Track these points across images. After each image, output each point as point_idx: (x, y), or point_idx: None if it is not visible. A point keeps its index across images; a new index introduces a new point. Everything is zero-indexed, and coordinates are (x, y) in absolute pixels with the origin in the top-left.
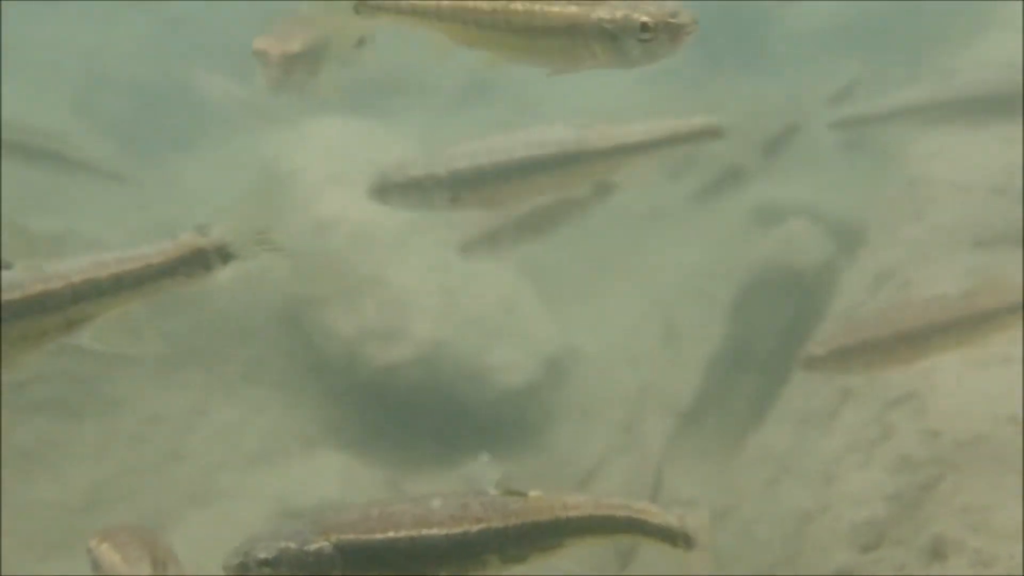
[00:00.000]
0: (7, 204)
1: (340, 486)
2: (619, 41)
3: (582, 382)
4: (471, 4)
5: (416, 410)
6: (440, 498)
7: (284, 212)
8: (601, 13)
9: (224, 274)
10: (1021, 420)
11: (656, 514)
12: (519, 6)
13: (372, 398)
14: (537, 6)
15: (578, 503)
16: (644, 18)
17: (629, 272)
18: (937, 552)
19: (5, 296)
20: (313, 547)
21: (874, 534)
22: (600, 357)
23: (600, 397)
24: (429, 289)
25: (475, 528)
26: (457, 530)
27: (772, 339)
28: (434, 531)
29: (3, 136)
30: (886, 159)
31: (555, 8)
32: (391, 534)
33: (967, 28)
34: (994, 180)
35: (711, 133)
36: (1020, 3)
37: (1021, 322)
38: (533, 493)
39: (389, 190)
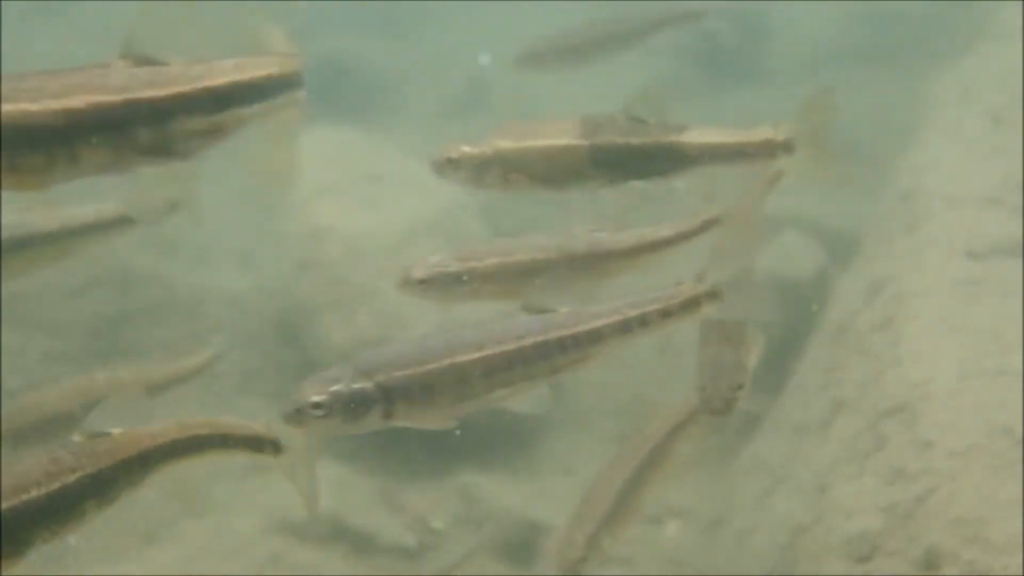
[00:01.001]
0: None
1: (334, 496)
2: None
3: (576, 392)
4: None
5: None
6: (30, 457)
7: (278, 222)
8: None
9: None
10: (1020, 432)
11: (240, 426)
12: None
13: None
14: None
15: (162, 431)
16: None
17: (624, 282)
18: (931, 563)
19: None
20: None
21: (867, 545)
22: (594, 368)
23: (594, 407)
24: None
25: (72, 479)
26: (55, 486)
27: (765, 350)
28: (33, 494)
29: None
30: (879, 170)
31: None
32: None
33: (962, 39)
34: (988, 191)
35: (121, 222)
36: (1016, 13)
37: None
38: (116, 431)
39: None
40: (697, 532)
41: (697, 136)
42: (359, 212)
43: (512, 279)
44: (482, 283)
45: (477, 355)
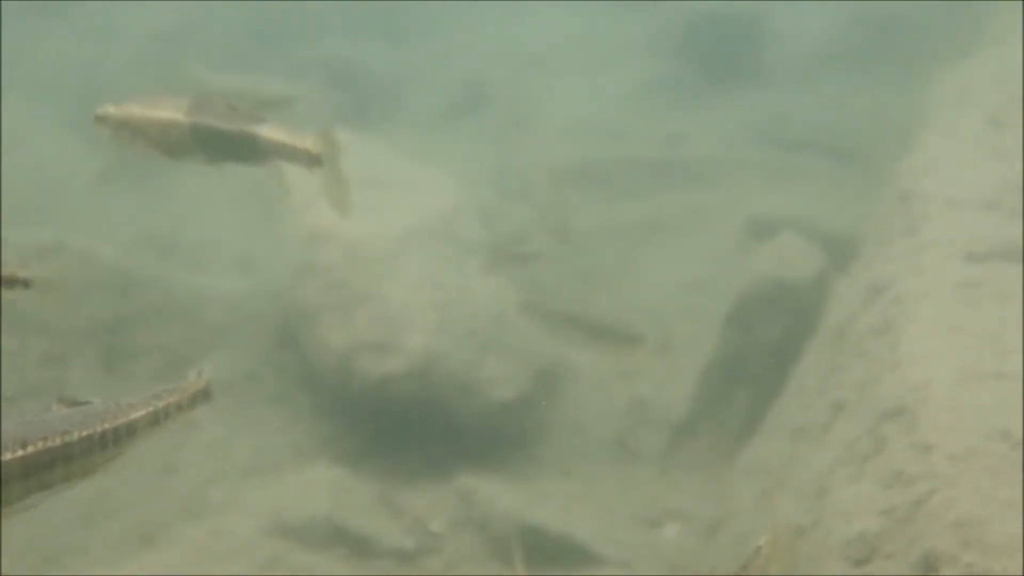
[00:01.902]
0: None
1: (333, 499)
2: None
3: (575, 395)
4: None
5: (409, 423)
6: None
7: (277, 225)
8: None
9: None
10: (1019, 435)
11: None
12: None
13: (365, 411)
14: None
15: None
16: None
17: (622, 285)
18: (929, 566)
19: None
20: None
21: (866, 548)
22: (593, 370)
23: (593, 410)
24: (422, 302)
25: None
26: None
27: (765, 352)
28: None
29: None
30: (877, 173)
31: None
32: None
33: (962, 41)
34: (987, 195)
35: None
36: (1015, 14)
37: None
38: None
39: None
40: (696, 534)
41: (266, 131)
42: (358, 216)
43: None
44: None
45: (32, 450)
